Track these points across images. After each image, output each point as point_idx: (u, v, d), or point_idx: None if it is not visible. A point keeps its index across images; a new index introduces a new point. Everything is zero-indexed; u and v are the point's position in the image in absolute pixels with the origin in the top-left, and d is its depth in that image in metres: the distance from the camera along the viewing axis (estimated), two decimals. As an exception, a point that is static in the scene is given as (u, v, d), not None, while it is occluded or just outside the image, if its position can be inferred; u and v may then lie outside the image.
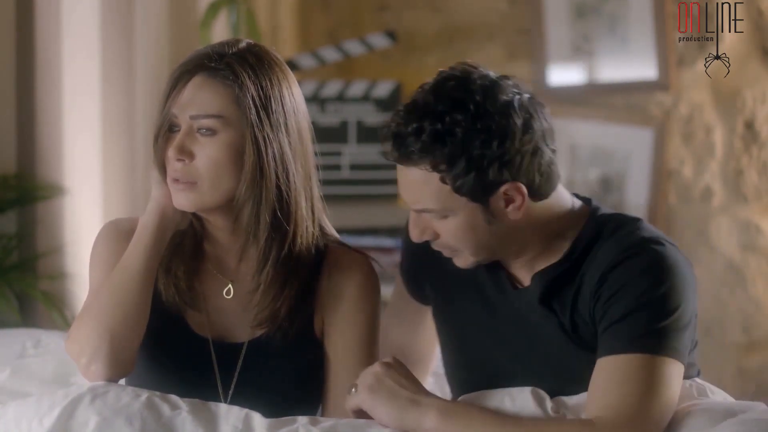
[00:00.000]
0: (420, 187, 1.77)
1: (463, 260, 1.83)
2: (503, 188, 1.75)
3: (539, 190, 1.78)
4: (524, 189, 1.75)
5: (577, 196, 1.89)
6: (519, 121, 1.73)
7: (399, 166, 1.79)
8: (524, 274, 1.86)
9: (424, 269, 1.97)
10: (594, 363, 1.75)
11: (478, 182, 1.73)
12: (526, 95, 1.77)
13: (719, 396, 1.85)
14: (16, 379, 2.27)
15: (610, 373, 1.71)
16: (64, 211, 3.12)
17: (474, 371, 1.90)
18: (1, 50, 3.03)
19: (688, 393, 1.79)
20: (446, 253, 1.84)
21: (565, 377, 1.81)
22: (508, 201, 1.76)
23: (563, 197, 1.84)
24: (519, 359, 1.85)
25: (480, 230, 1.78)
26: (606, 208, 1.86)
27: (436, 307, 1.98)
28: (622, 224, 1.81)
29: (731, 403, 1.79)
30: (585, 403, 1.74)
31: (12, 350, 2.40)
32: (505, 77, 1.78)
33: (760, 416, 1.70)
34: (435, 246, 1.83)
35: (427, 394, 1.74)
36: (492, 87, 1.75)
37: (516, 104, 1.74)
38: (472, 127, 1.72)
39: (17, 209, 3.08)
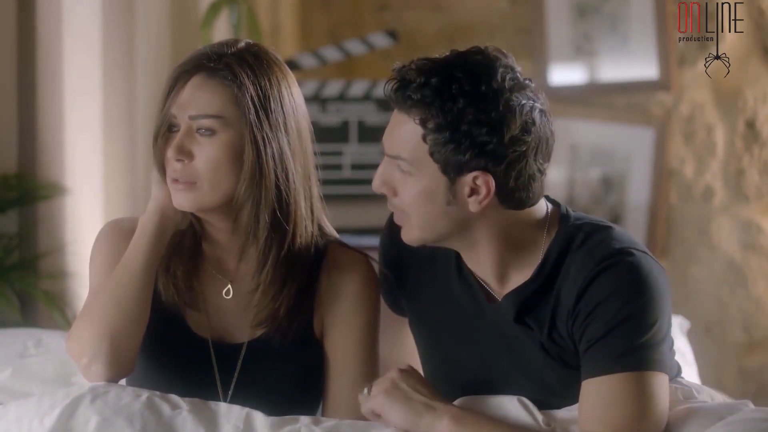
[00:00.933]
0: (401, 134, 1.74)
1: (409, 234, 1.80)
2: (473, 174, 1.72)
3: (508, 197, 1.74)
4: (493, 185, 1.72)
5: (547, 198, 1.84)
6: (518, 124, 1.70)
7: (394, 110, 1.78)
8: (497, 284, 1.83)
9: (399, 281, 1.95)
10: (575, 378, 1.75)
11: (453, 157, 1.71)
12: (540, 107, 1.74)
13: (705, 395, 1.84)
14: (17, 378, 2.27)
15: (599, 395, 1.70)
16: (65, 210, 3.12)
17: (453, 382, 1.89)
18: (2, 50, 3.02)
19: (673, 396, 1.78)
20: (397, 220, 1.81)
21: (547, 389, 1.80)
22: (473, 191, 1.73)
23: (535, 212, 1.80)
24: (500, 370, 1.84)
25: (436, 205, 1.75)
26: (576, 214, 1.83)
27: (411, 318, 1.98)
28: (591, 234, 1.78)
29: (718, 405, 1.77)
30: (574, 418, 1.74)
31: (13, 350, 2.40)
32: (530, 80, 1.75)
33: (746, 416, 1.70)
34: (389, 206, 1.81)
35: (442, 400, 1.74)
36: (512, 82, 1.73)
37: (525, 109, 1.71)
38: (473, 104, 1.69)
39: (18, 209, 3.08)
